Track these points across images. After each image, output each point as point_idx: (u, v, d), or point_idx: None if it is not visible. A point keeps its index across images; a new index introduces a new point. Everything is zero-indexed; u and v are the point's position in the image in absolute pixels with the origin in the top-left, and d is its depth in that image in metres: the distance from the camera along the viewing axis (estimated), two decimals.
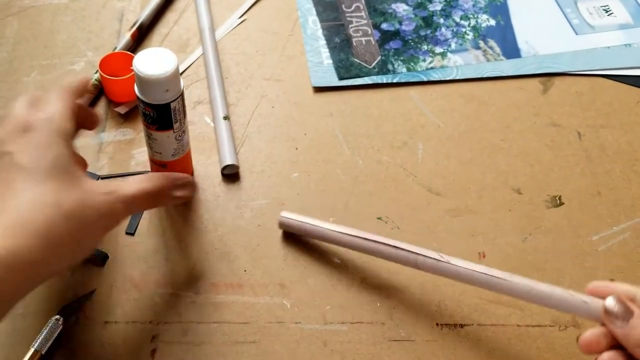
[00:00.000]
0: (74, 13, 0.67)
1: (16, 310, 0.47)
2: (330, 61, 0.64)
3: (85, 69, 0.62)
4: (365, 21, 0.68)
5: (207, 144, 0.58)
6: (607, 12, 0.70)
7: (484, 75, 0.64)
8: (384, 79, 0.63)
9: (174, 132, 0.49)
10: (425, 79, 0.63)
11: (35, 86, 0.61)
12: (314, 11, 0.69)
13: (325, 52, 0.65)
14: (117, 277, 0.50)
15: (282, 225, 0.52)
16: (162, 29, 0.66)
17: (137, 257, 0.51)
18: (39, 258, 0.37)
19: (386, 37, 0.66)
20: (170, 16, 0.67)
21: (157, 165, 0.52)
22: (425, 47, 0.66)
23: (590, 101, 0.62)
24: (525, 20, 0.69)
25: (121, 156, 0.56)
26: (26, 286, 0.38)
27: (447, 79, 0.63)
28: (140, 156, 0.56)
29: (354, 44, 0.66)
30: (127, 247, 0.51)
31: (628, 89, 0.63)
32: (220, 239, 0.52)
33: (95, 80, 0.59)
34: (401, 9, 0.69)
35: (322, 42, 0.66)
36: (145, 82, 0.46)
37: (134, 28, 0.64)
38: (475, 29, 0.68)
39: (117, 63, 0.59)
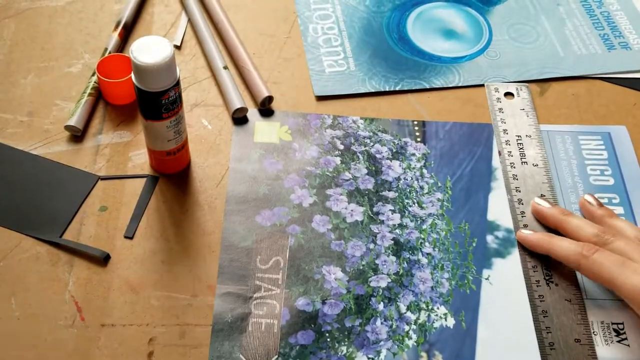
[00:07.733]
0: (71, 15, 0.67)
1: (12, 312, 0.47)
2: (332, 69, 0.64)
3: (83, 71, 0.62)
4: None
5: (204, 146, 0.58)
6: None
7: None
8: (386, 86, 0.62)
9: None
10: (427, 86, 0.63)
11: (32, 88, 0.61)
12: (313, 19, 0.68)
13: (326, 61, 0.65)
14: (114, 280, 0.49)
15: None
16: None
17: (134, 259, 0.51)
18: None
19: None
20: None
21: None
22: None
23: (587, 103, 0.62)
24: None
25: (118, 158, 0.56)
26: None
27: (449, 85, 0.63)
28: (138, 158, 0.56)
29: None
30: (125, 250, 0.51)
31: (625, 91, 0.63)
32: (217, 241, 0.52)
33: (94, 82, 0.59)
34: None
35: (324, 50, 0.66)
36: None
37: (120, 28, 0.64)
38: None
39: (114, 65, 0.59)
